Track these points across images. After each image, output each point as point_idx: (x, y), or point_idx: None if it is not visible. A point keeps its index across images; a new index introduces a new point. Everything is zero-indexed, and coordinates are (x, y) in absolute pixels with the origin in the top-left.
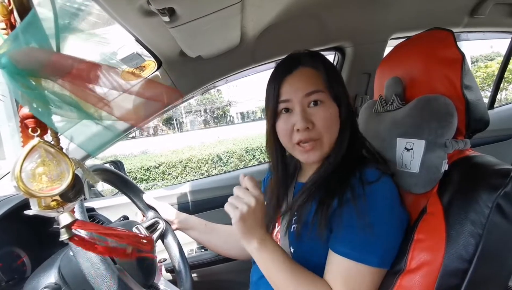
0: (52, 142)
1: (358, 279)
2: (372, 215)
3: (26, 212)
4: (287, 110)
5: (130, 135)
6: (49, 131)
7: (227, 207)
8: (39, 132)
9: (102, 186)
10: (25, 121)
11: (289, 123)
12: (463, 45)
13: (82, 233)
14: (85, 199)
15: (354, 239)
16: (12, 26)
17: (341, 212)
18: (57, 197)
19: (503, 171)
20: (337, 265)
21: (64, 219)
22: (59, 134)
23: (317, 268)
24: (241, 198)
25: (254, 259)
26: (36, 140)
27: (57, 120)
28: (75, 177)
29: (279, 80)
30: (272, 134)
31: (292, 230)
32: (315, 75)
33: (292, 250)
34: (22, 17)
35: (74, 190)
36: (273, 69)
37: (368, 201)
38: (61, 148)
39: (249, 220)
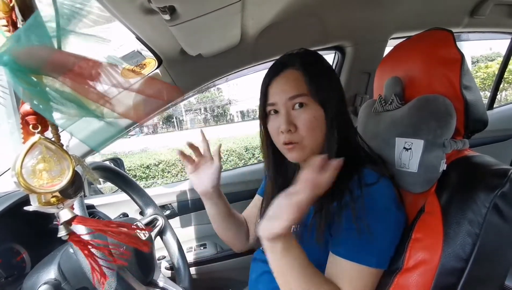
0: (53, 139)
1: (361, 280)
2: (370, 216)
3: (26, 208)
4: (275, 111)
5: (130, 134)
6: (49, 128)
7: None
8: (39, 128)
9: (101, 183)
10: (26, 118)
11: (277, 124)
12: (464, 46)
13: (81, 230)
14: (85, 196)
15: (354, 241)
16: (13, 23)
17: (341, 215)
18: (57, 194)
19: (501, 171)
20: (340, 268)
21: (64, 215)
22: (61, 130)
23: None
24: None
25: (268, 259)
26: (36, 136)
27: (59, 116)
28: (75, 174)
29: (267, 83)
30: (264, 134)
31: (292, 231)
32: (300, 78)
33: None
34: (23, 14)
35: (74, 187)
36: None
37: (366, 203)
38: (62, 145)
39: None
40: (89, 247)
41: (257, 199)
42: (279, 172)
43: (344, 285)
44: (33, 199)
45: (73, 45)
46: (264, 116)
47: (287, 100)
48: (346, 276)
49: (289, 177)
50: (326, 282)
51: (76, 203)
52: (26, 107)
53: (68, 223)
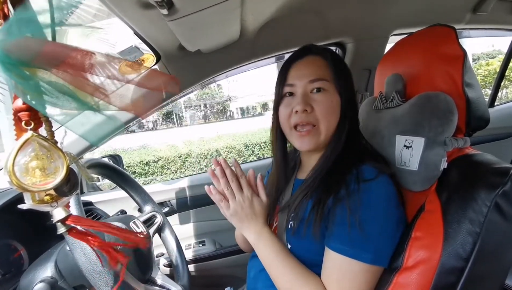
0: (46, 136)
1: (350, 275)
2: (364, 212)
3: (20, 206)
4: (291, 94)
5: (129, 129)
6: (43, 125)
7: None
8: (32, 125)
9: (100, 180)
10: (19, 114)
11: (290, 106)
12: (464, 43)
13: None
14: (82, 193)
15: (346, 235)
16: (5, 17)
17: (335, 209)
18: (51, 192)
19: (502, 170)
20: (331, 261)
21: (58, 213)
22: (58, 126)
23: (313, 265)
24: (234, 195)
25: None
26: (29, 133)
27: (57, 112)
28: (70, 171)
29: (288, 65)
30: (275, 120)
31: (289, 227)
32: (323, 64)
33: (289, 246)
34: (15, 7)
35: (69, 185)
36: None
37: (362, 198)
38: (55, 142)
39: (240, 214)
40: (91, 237)
41: None
42: (285, 157)
43: (330, 280)
44: (27, 197)
45: (68, 39)
46: (279, 99)
47: (307, 83)
48: (336, 271)
49: (290, 168)
50: (306, 276)
51: (72, 201)
52: (19, 103)
53: (62, 222)
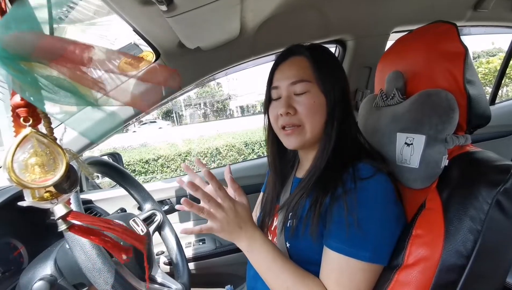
0: (45, 133)
1: (349, 274)
2: (362, 211)
3: (20, 203)
4: (277, 96)
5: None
6: (42, 121)
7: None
8: (31, 121)
9: (99, 178)
10: (17, 110)
11: (276, 108)
12: (465, 40)
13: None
14: (82, 191)
15: (344, 234)
16: (3, 13)
17: (333, 208)
18: (51, 188)
19: (503, 167)
20: (330, 260)
21: (59, 210)
22: (58, 124)
23: (312, 264)
24: (213, 212)
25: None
26: (28, 129)
27: (56, 110)
28: (70, 168)
29: (274, 67)
30: (267, 121)
31: (288, 226)
32: (305, 65)
33: (288, 245)
34: (13, 3)
35: (69, 181)
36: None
37: (359, 197)
38: (55, 139)
39: (227, 229)
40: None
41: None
42: (280, 160)
43: (329, 279)
44: (26, 194)
45: (65, 33)
46: (268, 102)
47: (289, 85)
48: (335, 270)
49: (289, 167)
50: (304, 278)
51: (71, 198)
52: (17, 99)
53: (63, 219)
